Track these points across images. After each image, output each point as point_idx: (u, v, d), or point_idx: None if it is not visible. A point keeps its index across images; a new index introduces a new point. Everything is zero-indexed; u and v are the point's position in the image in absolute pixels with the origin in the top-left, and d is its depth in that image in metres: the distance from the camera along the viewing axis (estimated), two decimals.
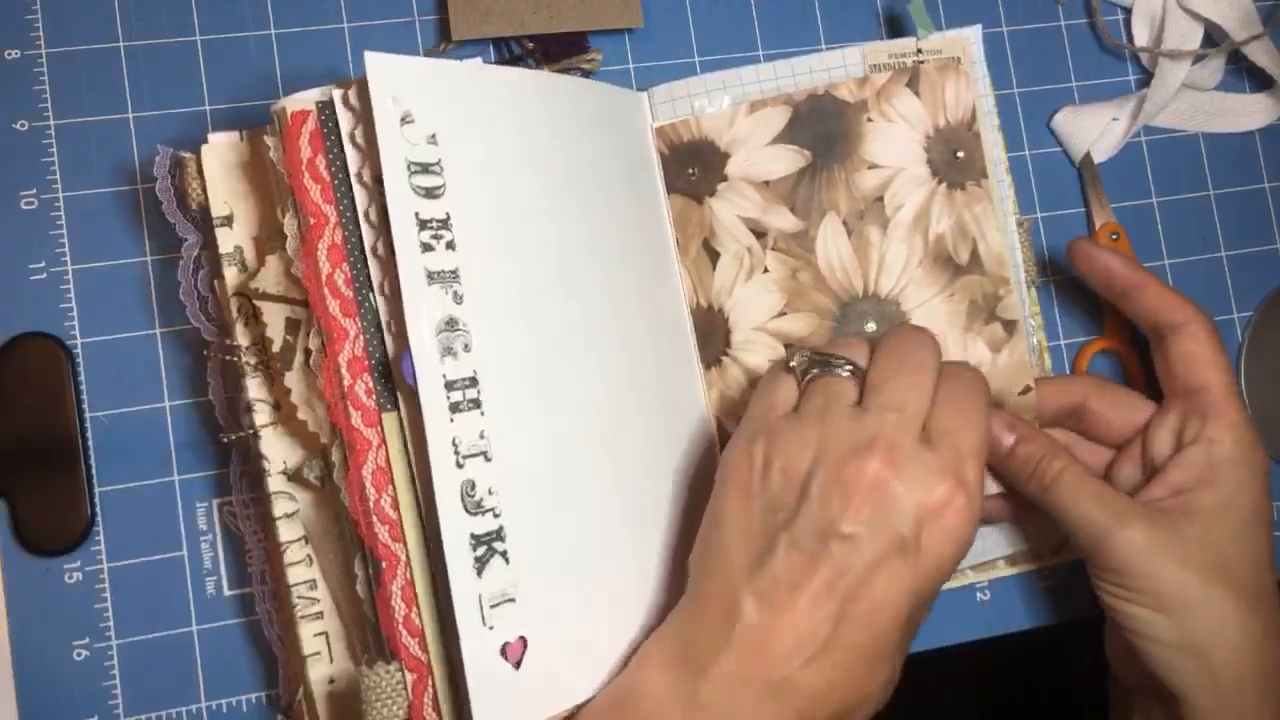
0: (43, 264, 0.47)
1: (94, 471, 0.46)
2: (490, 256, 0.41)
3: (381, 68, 0.39)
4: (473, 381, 0.39)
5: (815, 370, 0.42)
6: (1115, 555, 0.43)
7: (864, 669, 0.38)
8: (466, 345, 0.39)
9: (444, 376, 0.38)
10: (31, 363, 0.46)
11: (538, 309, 0.42)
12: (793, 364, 0.43)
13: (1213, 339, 0.46)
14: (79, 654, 0.45)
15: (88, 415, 0.46)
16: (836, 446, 0.39)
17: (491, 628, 0.38)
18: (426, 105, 0.40)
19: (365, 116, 0.40)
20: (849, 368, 0.41)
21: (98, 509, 0.46)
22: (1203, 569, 0.43)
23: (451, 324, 0.39)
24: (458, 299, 0.39)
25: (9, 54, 0.48)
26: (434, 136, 0.40)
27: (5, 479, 0.45)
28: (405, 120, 0.39)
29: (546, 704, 0.39)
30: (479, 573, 0.38)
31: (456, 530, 0.38)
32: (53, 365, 0.46)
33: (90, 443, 0.46)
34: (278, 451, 0.43)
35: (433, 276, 0.39)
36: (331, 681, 0.42)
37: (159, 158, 0.45)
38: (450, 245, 0.39)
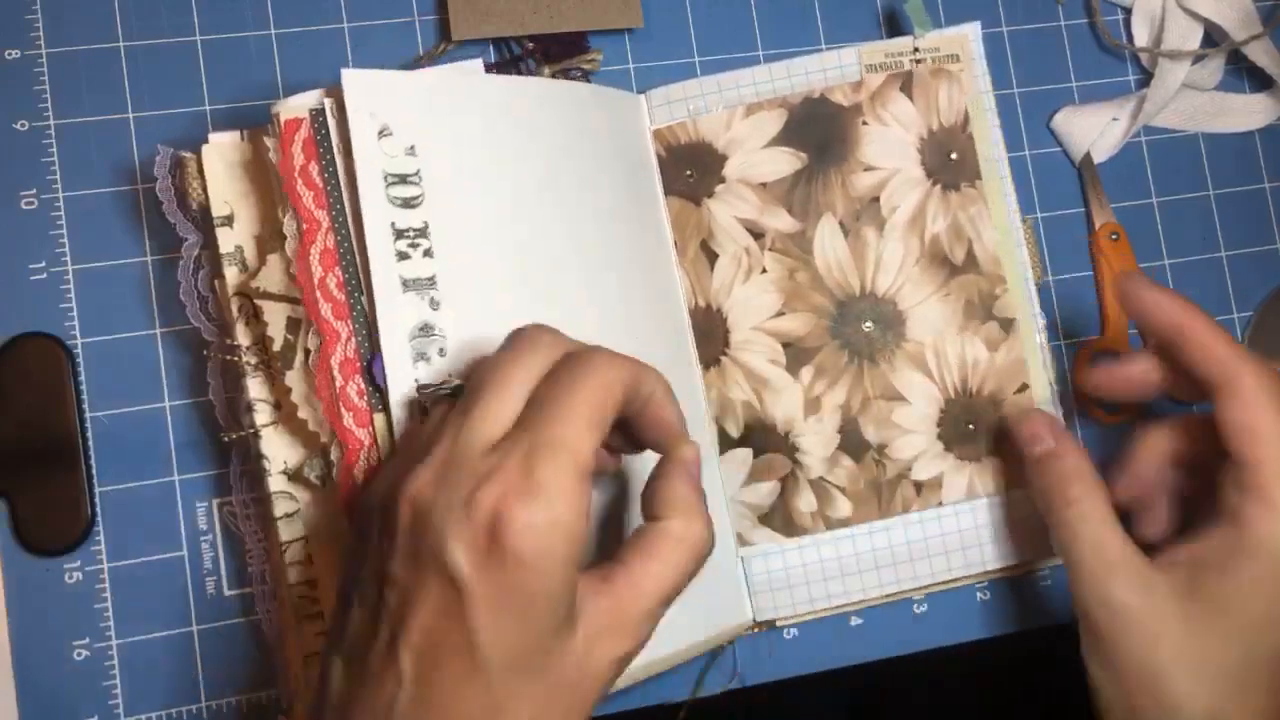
0: (43, 264, 0.47)
1: (94, 471, 0.46)
2: (473, 263, 0.41)
3: (358, 84, 0.40)
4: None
5: (425, 400, 0.38)
6: (1089, 609, 0.41)
7: None
8: (441, 350, 0.40)
9: (416, 381, 0.39)
10: (31, 363, 0.46)
11: (526, 312, 0.42)
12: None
13: (1263, 399, 0.40)
14: (79, 654, 0.45)
15: (88, 415, 0.46)
16: (393, 478, 0.34)
17: None
18: (405, 118, 0.41)
19: (343, 130, 0.40)
20: (447, 388, 0.38)
21: (98, 509, 0.46)
22: (1173, 658, 0.39)
23: (426, 329, 0.40)
24: (434, 305, 0.40)
25: (9, 54, 0.48)
26: (413, 148, 0.41)
27: (5, 479, 0.45)
28: (383, 133, 0.40)
29: None
30: None
31: None
32: (53, 365, 0.46)
33: (90, 443, 0.46)
34: (278, 451, 0.43)
35: (408, 284, 0.40)
36: None
37: (159, 158, 0.45)
38: (428, 253, 0.40)
